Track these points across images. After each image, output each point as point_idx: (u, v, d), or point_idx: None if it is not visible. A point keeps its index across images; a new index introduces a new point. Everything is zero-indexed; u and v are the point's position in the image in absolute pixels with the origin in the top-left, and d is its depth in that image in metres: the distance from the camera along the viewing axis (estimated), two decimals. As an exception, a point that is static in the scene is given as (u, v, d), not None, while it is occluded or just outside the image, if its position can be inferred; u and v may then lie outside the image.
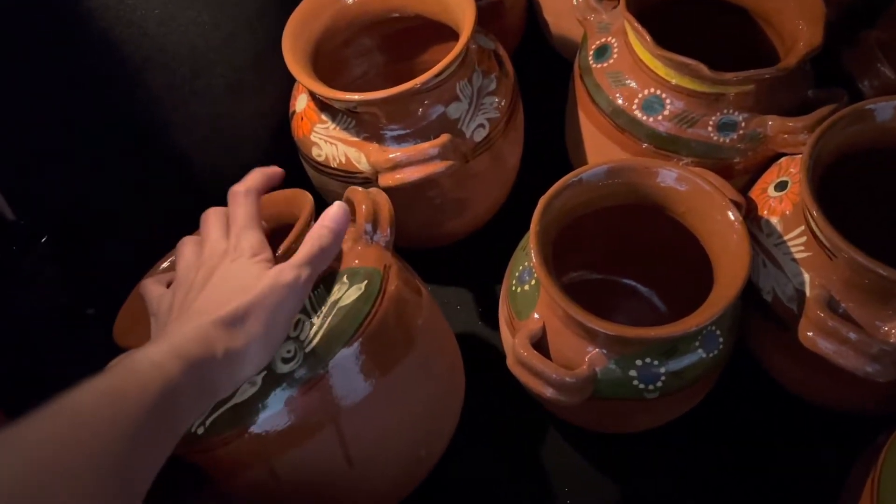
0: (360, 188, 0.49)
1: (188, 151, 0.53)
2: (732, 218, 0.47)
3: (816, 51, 0.51)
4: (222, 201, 0.52)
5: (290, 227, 0.45)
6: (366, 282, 0.45)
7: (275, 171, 0.46)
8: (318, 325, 0.43)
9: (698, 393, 0.51)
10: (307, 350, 0.42)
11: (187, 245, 0.44)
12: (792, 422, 0.56)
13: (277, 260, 0.42)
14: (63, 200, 0.48)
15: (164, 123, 0.50)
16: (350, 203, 0.49)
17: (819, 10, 0.53)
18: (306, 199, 0.46)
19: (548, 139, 0.68)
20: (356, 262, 0.46)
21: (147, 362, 0.34)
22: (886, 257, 0.57)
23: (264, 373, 0.42)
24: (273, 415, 0.42)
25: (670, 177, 0.49)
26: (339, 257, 0.47)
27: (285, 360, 0.42)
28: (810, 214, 0.45)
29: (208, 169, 0.56)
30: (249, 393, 0.41)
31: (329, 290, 0.45)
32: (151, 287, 0.44)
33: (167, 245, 0.47)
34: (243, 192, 0.44)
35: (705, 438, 0.56)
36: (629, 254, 0.60)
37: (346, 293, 0.45)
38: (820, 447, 0.55)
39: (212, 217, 0.44)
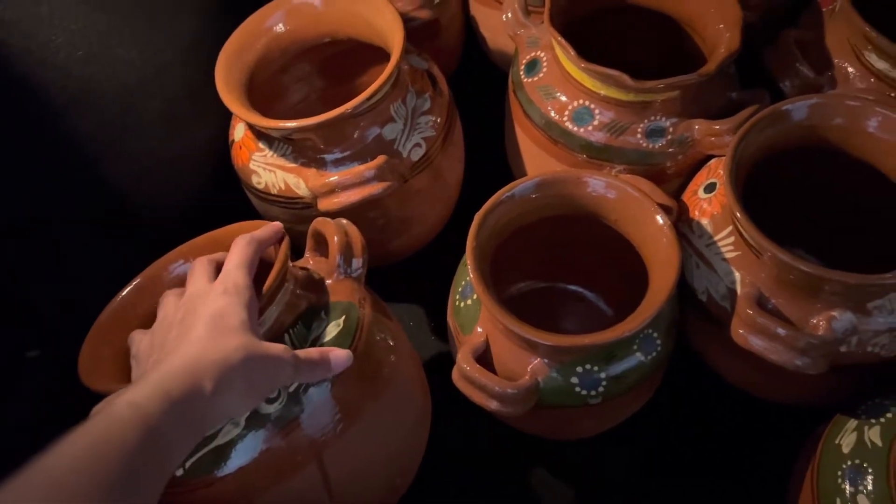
0: (329, 219, 0.49)
1: (125, 187, 0.53)
2: (661, 222, 0.49)
3: (735, 55, 0.53)
4: (165, 235, 0.53)
5: (266, 264, 0.45)
6: (343, 317, 0.46)
7: (278, 227, 0.47)
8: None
9: (642, 395, 0.52)
10: (290, 390, 0.42)
11: (169, 296, 0.44)
12: (739, 417, 0.58)
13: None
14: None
15: (95, 162, 0.50)
16: (320, 235, 0.49)
17: (737, 15, 0.54)
18: (283, 242, 0.46)
19: (491, 153, 0.69)
20: (332, 296, 0.46)
21: (125, 406, 0.33)
22: (816, 250, 0.59)
23: (247, 414, 0.42)
24: (256, 456, 0.42)
25: (600, 186, 0.50)
26: (315, 290, 0.47)
27: (269, 401, 0.42)
28: (735, 215, 0.47)
29: (148, 203, 0.56)
30: (232, 434, 0.41)
31: (308, 328, 0.45)
32: (135, 334, 0.44)
33: (110, 283, 0.47)
34: (246, 239, 0.44)
35: (654, 437, 0.58)
36: (573, 261, 0.61)
37: (325, 329, 0.45)
38: (767, 440, 0.57)
39: (198, 265, 0.44)
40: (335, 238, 0.48)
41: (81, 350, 0.44)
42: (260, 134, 0.56)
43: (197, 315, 0.39)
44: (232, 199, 0.61)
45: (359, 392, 0.45)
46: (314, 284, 0.48)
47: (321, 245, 0.51)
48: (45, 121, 0.46)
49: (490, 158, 0.69)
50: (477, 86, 0.73)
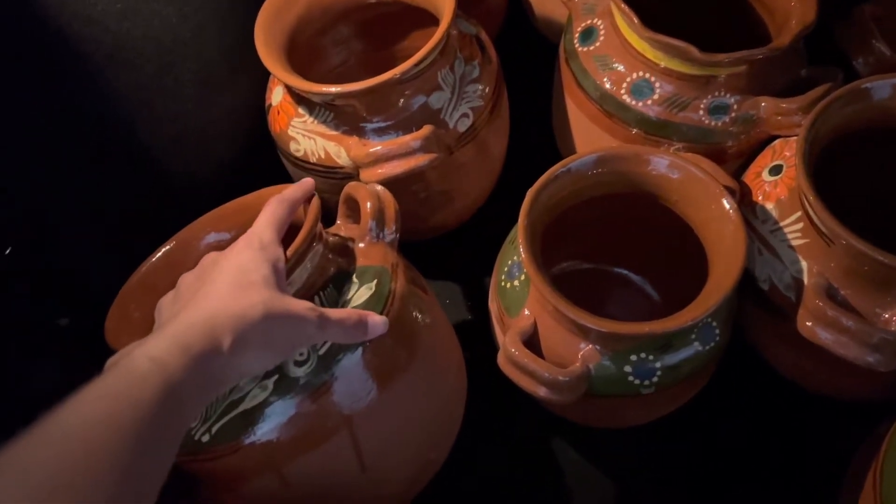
0: (361, 184, 0.47)
1: (157, 152, 0.51)
2: (727, 206, 0.46)
3: (810, 28, 0.50)
4: (195, 202, 0.51)
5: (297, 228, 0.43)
6: (375, 281, 0.44)
7: (310, 185, 0.45)
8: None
9: (695, 385, 0.50)
10: (321, 353, 0.41)
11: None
12: (792, 412, 0.55)
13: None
14: (25, 209, 0.45)
15: (130, 123, 0.48)
16: (352, 199, 0.48)
17: (811, -14, 0.51)
18: (313, 201, 0.44)
19: (535, 126, 0.66)
20: (364, 260, 0.45)
21: (145, 359, 0.32)
22: (887, 241, 0.56)
23: (276, 376, 0.40)
24: (285, 421, 0.40)
25: (662, 164, 0.48)
26: (346, 255, 0.45)
27: (298, 364, 0.40)
28: (807, 200, 0.44)
29: (180, 169, 0.54)
30: (260, 398, 0.40)
31: (339, 290, 0.43)
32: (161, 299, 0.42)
33: (139, 248, 0.45)
34: (277, 199, 0.42)
35: (704, 430, 0.55)
36: (621, 242, 0.58)
37: (356, 293, 0.43)
38: (821, 438, 0.54)
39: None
40: (367, 203, 0.46)
41: (109, 313, 0.43)
42: (300, 99, 0.53)
43: (219, 269, 0.38)
44: (267, 166, 0.58)
45: (391, 360, 0.43)
46: (345, 248, 0.46)
47: (354, 212, 0.48)
48: (80, 77, 0.44)
49: (533, 131, 0.66)
50: (520, 54, 0.70)
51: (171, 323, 0.35)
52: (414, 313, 0.45)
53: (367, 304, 0.42)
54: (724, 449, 0.55)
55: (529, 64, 0.68)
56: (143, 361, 0.32)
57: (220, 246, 0.44)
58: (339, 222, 0.50)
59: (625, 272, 0.61)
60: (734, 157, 0.54)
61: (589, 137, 0.57)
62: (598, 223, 0.56)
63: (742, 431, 0.55)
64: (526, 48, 0.72)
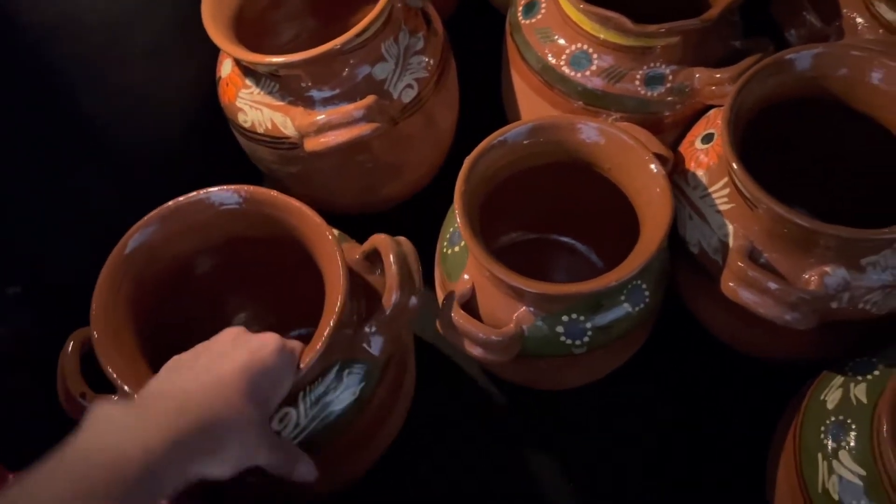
0: (387, 240, 0.45)
1: (106, 124, 0.52)
2: (655, 171, 0.47)
3: (740, 1, 0.51)
4: (147, 175, 0.51)
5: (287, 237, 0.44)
6: (362, 385, 0.45)
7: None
8: (301, 427, 0.43)
9: (629, 346, 0.52)
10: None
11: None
12: (725, 372, 0.57)
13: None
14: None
15: (76, 95, 0.49)
16: (372, 255, 0.47)
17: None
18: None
19: (487, 100, 0.68)
20: (362, 348, 0.44)
21: (141, 451, 0.32)
22: (812, 205, 0.58)
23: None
24: None
25: (593, 132, 0.49)
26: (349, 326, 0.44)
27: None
28: (730, 166, 0.45)
29: (130, 140, 0.54)
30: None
31: (323, 379, 0.44)
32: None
33: (89, 219, 0.46)
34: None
35: (641, 389, 0.57)
36: (564, 212, 0.60)
37: (339, 395, 0.44)
38: (753, 397, 0.56)
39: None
40: (394, 270, 0.44)
41: (92, 310, 0.43)
42: (247, 70, 0.54)
43: (244, 368, 0.38)
44: (219, 138, 0.59)
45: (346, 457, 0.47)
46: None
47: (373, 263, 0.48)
48: (22, 49, 0.44)
49: (486, 106, 0.67)
50: (475, 30, 0.71)
51: (177, 412, 0.35)
52: (388, 408, 0.48)
53: (345, 413, 0.44)
54: (657, 410, 0.57)
55: (484, 38, 0.69)
56: (137, 454, 0.32)
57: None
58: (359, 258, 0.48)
59: (570, 241, 0.62)
60: (671, 126, 0.55)
61: (534, 109, 0.59)
62: (541, 193, 0.57)
63: (678, 391, 0.57)
64: (481, 23, 0.73)
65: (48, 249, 0.50)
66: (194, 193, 0.46)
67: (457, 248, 0.51)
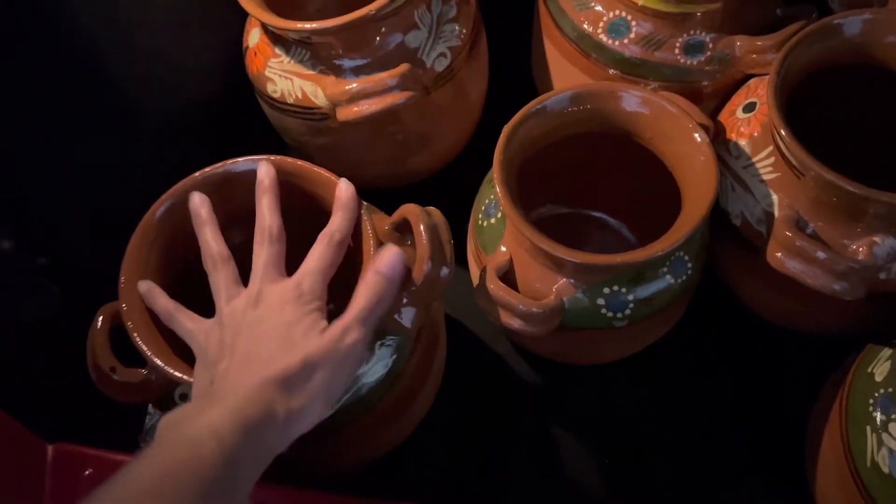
0: (417, 210, 0.44)
1: (132, 86, 0.51)
2: (699, 139, 0.46)
3: (784, -36, 0.50)
4: (173, 142, 0.50)
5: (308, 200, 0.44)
6: (394, 357, 0.44)
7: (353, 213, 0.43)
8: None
9: (669, 319, 0.51)
10: None
11: (229, 280, 0.41)
12: (763, 346, 0.57)
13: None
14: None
15: (100, 56, 0.48)
16: (402, 226, 0.46)
17: (788, -77, 0.51)
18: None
19: (516, 69, 0.66)
20: (393, 319, 0.43)
21: (206, 432, 0.32)
22: (855, 174, 0.57)
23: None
24: None
25: (635, 100, 0.48)
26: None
27: None
28: (778, 133, 0.44)
29: (157, 105, 0.53)
30: None
31: None
32: (184, 321, 0.41)
33: (113, 188, 0.45)
34: (332, 241, 0.41)
35: (678, 365, 0.57)
36: (598, 186, 0.59)
37: (371, 368, 0.43)
38: (791, 371, 0.56)
39: (265, 253, 0.41)
40: (425, 242, 0.42)
41: (120, 283, 0.42)
42: (276, 38, 0.53)
43: (267, 325, 0.38)
44: (244, 108, 0.58)
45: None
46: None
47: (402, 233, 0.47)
48: (42, 8, 0.43)
49: (515, 76, 0.66)
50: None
51: (224, 389, 0.36)
52: (420, 378, 0.47)
53: (377, 386, 0.44)
54: (697, 383, 0.56)
55: (512, 6, 0.68)
56: (203, 435, 0.32)
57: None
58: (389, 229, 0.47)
59: (603, 216, 0.61)
60: (710, 96, 0.54)
61: (567, 78, 0.58)
62: (575, 165, 0.56)
63: (715, 366, 0.57)
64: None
65: (75, 217, 0.49)
66: (221, 164, 0.45)
67: (493, 220, 0.50)
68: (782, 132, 0.44)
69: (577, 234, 0.61)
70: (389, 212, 0.50)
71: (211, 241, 0.42)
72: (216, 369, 0.38)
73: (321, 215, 0.45)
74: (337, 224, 0.42)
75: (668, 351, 0.54)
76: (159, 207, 0.44)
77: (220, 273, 0.41)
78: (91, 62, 0.47)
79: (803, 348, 0.54)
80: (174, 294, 0.43)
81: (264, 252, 0.41)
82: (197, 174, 0.45)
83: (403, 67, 0.50)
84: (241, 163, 0.45)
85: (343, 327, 0.38)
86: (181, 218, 0.44)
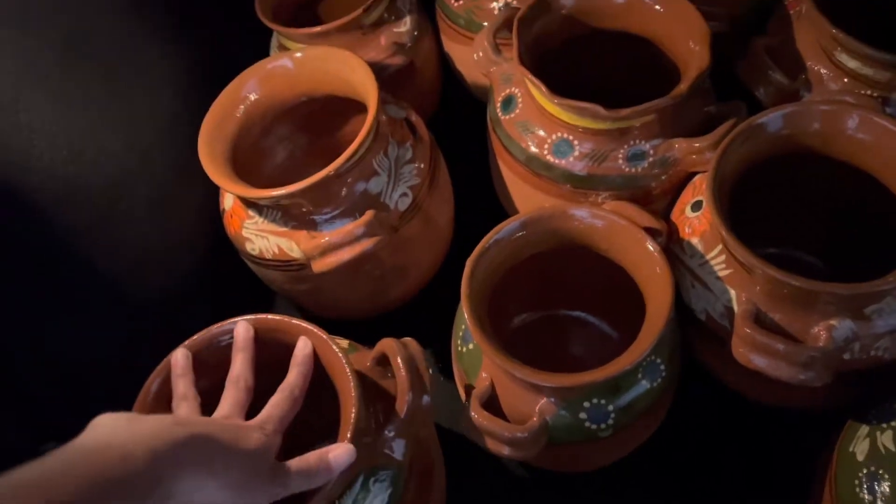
0: (394, 343, 0.47)
1: (122, 275, 0.54)
2: (651, 248, 0.49)
3: (706, 72, 0.53)
4: (167, 319, 0.53)
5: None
6: (390, 491, 0.45)
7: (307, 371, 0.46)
8: None
9: (653, 421, 0.52)
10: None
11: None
12: (756, 429, 0.58)
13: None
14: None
15: (88, 258, 0.51)
16: (383, 360, 0.48)
17: (703, 31, 0.55)
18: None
19: (481, 188, 0.70)
20: (383, 453, 0.45)
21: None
22: (819, 251, 0.59)
23: None
24: None
25: (586, 217, 0.51)
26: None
27: None
28: (721, 235, 0.47)
29: (146, 289, 0.57)
30: None
31: (350, 491, 0.44)
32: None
33: (115, 376, 0.47)
34: (296, 395, 0.44)
35: (672, 457, 0.58)
36: (573, 288, 0.61)
37: None
38: (786, 450, 0.56)
39: (231, 397, 0.44)
40: (405, 376, 0.45)
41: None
42: (249, 202, 0.57)
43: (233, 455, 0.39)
44: (230, 267, 0.62)
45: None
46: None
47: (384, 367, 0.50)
48: (30, 224, 0.47)
49: (480, 193, 0.69)
50: (460, 122, 0.73)
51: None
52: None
53: None
54: (692, 471, 0.57)
55: (469, 130, 0.72)
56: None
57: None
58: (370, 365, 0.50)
59: (581, 314, 0.64)
60: (660, 196, 0.57)
61: (525, 197, 0.61)
62: (545, 275, 0.59)
63: (708, 452, 0.58)
64: (464, 115, 0.76)
65: (69, 403, 0.51)
66: (203, 332, 0.48)
67: (471, 346, 0.53)
68: (724, 234, 0.46)
69: (558, 335, 0.63)
70: (374, 341, 0.53)
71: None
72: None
73: None
74: (293, 380, 0.45)
75: (659, 443, 0.55)
76: (154, 382, 0.47)
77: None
78: (80, 266, 0.51)
79: (793, 426, 0.55)
80: None
81: (231, 395, 0.44)
82: (180, 347, 0.48)
83: (368, 216, 0.53)
84: (218, 328, 0.48)
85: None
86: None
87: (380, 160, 0.56)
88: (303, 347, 0.46)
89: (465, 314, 0.48)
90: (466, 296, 0.49)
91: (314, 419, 0.54)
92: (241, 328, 0.47)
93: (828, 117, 0.49)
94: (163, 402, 0.47)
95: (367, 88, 0.55)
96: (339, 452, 0.42)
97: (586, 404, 0.48)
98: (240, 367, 0.46)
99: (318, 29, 0.65)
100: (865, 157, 0.50)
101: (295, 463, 0.41)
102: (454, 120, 0.73)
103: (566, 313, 0.64)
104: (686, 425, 0.57)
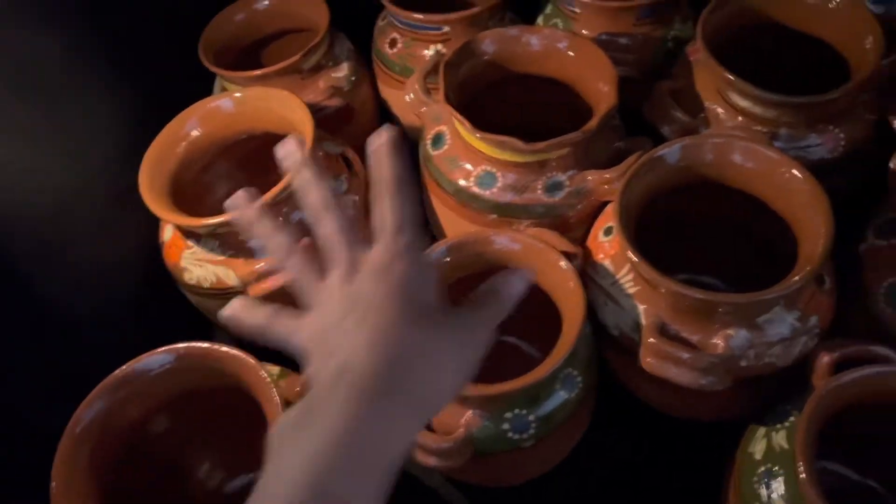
0: None
1: (58, 298, 0.56)
2: (564, 266, 0.53)
3: (614, 110, 0.59)
4: (106, 340, 0.54)
5: None
6: None
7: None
8: None
9: (574, 431, 0.55)
10: None
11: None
12: (669, 438, 0.61)
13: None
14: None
15: (28, 277, 0.53)
16: None
17: (611, 74, 0.60)
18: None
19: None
20: None
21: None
22: (719, 272, 0.64)
23: None
24: None
25: (505, 242, 0.55)
26: None
27: None
28: (629, 257, 0.51)
29: (83, 311, 0.58)
30: None
31: None
32: (295, 332, 0.35)
33: (55, 399, 0.48)
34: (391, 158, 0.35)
35: (593, 469, 0.60)
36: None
37: None
38: (701, 457, 0.60)
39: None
40: None
41: (52, 488, 0.44)
42: (188, 232, 0.59)
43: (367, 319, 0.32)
44: (169, 297, 0.63)
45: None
46: None
47: None
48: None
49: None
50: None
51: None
52: None
53: None
54: (614, 485, 0.60)
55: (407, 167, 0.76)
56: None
57: None
58: None
59: (511, 339, 0.67)
60: (577, 224, 0.61)
61: (454, 225, 0.65)
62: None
63: (628, 465, 0.61)
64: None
65: (16, 432, 0.52)
66: (133, 361, 0.49)
67: (402, 365, 0.55)
68: (630, 255, 0.51)
69: (489, 359, 0.66)
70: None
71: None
72: (326, 388, 0.32)
73: (240, 389, 0.49)
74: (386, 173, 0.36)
75: (583, 456, 0.58)
76: (82, 413, 0.47)
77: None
78: (19, 284, 0.52)
79: (706, 434, 0.59)
80: (106, 495, 0.46)
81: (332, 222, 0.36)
82: (112, 375, 0.49)
83: (304, 242, 0.56)
84: (149, 357, 0.49)
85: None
86: (105, 419, 0.48)
87: (315, 191, 0.59)
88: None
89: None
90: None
91: (254, 446, 0.56)
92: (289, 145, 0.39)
93: (718, 149, 0.54)
94: (95, 431, 0.47)
95: (303, 124, 0.59)
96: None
97: (508, 415, 0.51)
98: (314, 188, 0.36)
99: (258, 72, 0.69)
100: (753, 184, 0.55)
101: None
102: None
103: (503, 339, 0.67)
104: (606, 438, 0.60)
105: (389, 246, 0.35)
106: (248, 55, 0.78)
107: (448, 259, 0.55)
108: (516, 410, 0.51)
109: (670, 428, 0.59)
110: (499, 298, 0.38)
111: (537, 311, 0.60)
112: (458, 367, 0.34)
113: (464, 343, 0.35)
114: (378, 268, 0.34)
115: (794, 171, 0.52)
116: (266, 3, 0.77)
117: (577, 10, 0.70)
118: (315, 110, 0.63)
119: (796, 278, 0.48)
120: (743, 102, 0.60)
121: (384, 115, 0.81)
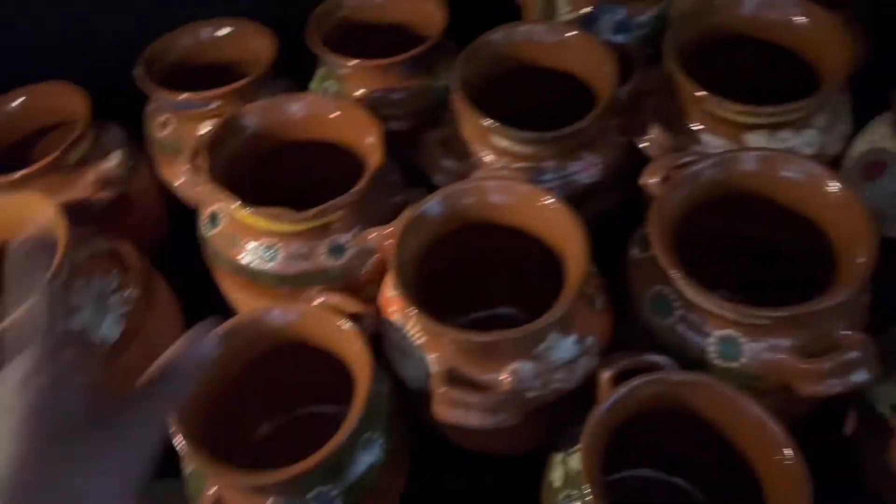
0: None
1: None
2: (347, 328, 0.53)
3: (381, 168, 0.60)
4: None
5: None
6: None
7: None
8: None
9: (391, 491, 0.55)
10: None
11: None
12: (492, 478, 0.62)
13: None
14: None
15: None
16: None
17: (377, 131, 0.61)
18: None
19: (216, 297, 0.71)
20: None
21: None
22: (515, 299, 0.66)
23: None
24: None
25: (282, 316, 0.54)
26: None
27: None
28: (409, 309, 0.51)
29: None
30: None
31: None
32: None
33: None
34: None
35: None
36: (307, 388, 0.63)
37: None
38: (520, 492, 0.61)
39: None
40: None
41: None
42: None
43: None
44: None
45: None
46: None
47: None
48: None
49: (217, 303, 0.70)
50: (189, 242, 0.75)
51: None
52: None
53: None
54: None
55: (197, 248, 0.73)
56: None
57: None
58: None
59: (324, 409, 0.65)
60: (369, 283, 0.61)
61: (247, 301, 0.63)
62: (280, 377, 0.60)
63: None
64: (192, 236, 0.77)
65: None
66: None
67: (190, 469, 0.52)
68: (410, 307, 0.51)
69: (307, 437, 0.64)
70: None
71: None
72: None
73: None
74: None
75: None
76: None
77: None
78: None
79: (524, 469, 0.60)
80: None
81: None
82: None
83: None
84: None
85: None
86: None
87: (79, 295, 0.56)
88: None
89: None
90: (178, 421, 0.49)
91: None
92: None
93: (478, 191, 0.57)
94: None
95: (57, 230, 0.55)
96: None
97: (310, 495, 0.49)
98: None
99: (18, 175, 0.64)
100: (516, 218, 0.57)
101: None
102: (182, 242, 0.74)
103: (310, 409, 0.65)
104: (429, 490, 0.59)
105: (26, 359, 0.34)
106: (11, 155, 0.73)
107: (242, 336, 0.53)
108: (319, 489, 0.49)
109: (490, 467, 0.60)
110: (169, 383, 0.38)
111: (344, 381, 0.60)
112: (121, 470, 0.33)
113: (127, 445, 0.34)
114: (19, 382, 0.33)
115: (549, 201, 0.55)
116: (22, 99, 0.73)
117: (346, 72, 0.72)
118: (84, 207, 0.60)
119: (561, 304, 0.50)
120: (503, 143, 0.63)
121: (170, 198, 0.78)
